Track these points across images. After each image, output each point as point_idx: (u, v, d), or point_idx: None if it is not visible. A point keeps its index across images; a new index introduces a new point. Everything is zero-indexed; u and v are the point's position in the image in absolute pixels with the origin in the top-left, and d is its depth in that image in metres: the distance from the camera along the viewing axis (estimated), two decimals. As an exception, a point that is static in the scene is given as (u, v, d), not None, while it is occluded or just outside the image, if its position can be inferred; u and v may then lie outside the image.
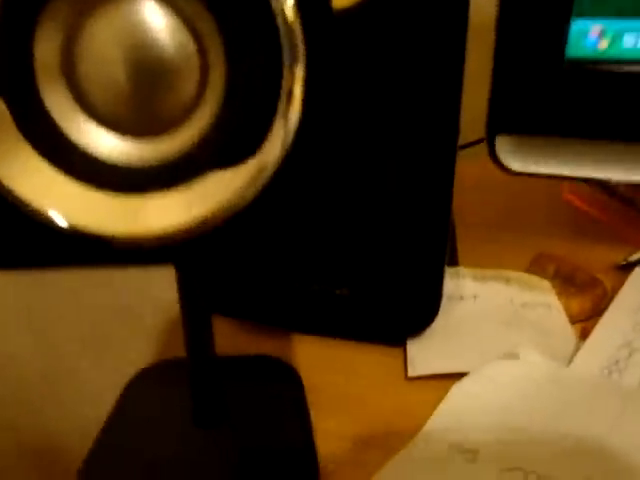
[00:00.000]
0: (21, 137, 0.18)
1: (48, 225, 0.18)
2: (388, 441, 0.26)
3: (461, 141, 0.26)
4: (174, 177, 0.18)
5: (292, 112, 0.17)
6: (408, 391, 0.30)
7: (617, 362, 0.29)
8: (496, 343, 0.31)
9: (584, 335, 0.33)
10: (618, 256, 0.39)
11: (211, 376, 0.26)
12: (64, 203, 0.18)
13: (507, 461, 0.24)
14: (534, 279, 0.37)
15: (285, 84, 0.17)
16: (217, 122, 0.18)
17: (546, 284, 0.37)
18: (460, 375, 0.30)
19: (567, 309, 0.35)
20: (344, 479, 0.25)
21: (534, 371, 0.29)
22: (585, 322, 0.34)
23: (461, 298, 0.35)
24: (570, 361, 0.31)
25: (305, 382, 0.30)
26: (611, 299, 0.35)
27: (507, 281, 0.36)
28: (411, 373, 0.31)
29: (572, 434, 0.26)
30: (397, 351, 0.32)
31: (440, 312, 0.32)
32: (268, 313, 0.33)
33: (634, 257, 0.38)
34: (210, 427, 0.27)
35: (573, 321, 0.35)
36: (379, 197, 0.28)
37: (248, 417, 0.27)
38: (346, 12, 0.22)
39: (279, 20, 0.16)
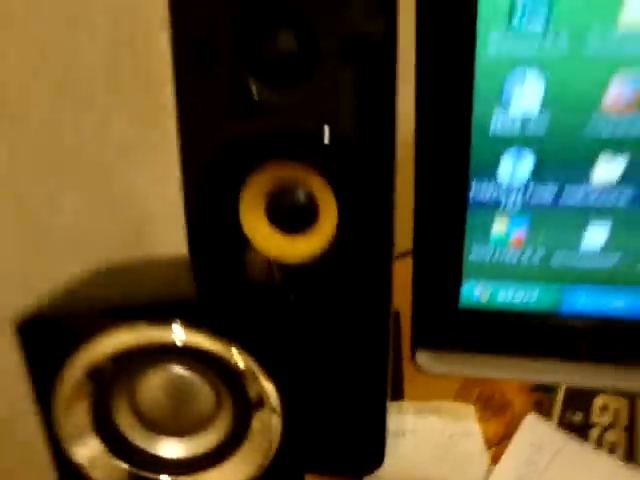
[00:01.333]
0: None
1: None
2: None
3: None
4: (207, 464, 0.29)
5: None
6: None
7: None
8: (429, 474, 0.43)
9: (495, 460, 0.45)
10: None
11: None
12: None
13: None
14: (461, 407, 0.49)
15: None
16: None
17: (470, 410, 0.49)
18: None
19: (485, 433, 0.47)
20: None
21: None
22: (497, 446, 0.46)
23: (404, 434, 0.46)
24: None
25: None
26: (517, 425, 0.47)
27: (439, 413, 0.48)
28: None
29: None
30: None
31: (387, 449, 0.43)
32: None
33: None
34: None
35: (489, 445, 0.46)
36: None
37: None
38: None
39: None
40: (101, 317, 0.25)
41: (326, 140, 0.33)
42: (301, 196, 0.36)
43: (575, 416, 0.46)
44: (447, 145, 0.31)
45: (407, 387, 0.51)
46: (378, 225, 0.35)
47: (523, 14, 0.27)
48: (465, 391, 0.51)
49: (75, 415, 0.27)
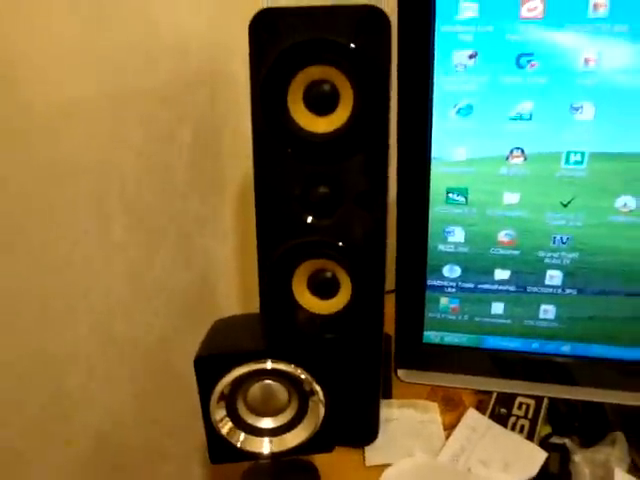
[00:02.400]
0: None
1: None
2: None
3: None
4: (285, 430, 0.55)
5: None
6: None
7: (457, 458, 0.67)
8: (406, 448, 0.69)
9: (448, 438, 0.71)
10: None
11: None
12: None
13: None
14: (429, 404, 0.75)
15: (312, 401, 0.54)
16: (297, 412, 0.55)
17: (435, 406, 0.75)
18: (388, 465, 0.67)
19: (443, 421, 0.73)
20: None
21: (421, 462, 0.67)
22: (450, 430, 0.72)
23: (391, 420, 0.72)
24: (438, 455, 0.68)
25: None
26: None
27: (415, 408, 0.74)
28: (367, 463, 0.68)
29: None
30: (358, 454, 0.69)
31: (380, 429, 0.70)
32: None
33: None
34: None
35: (445, 428, 0.72)
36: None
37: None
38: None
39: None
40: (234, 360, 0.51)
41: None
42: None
43: (501, 410, 0.72)
44: (414, 257, 0.58)
45: (394, 390, 0.77)
46: (370, 303, 0.61)
47: (451, 198, 0.53)
48: (433, 393, 0.76)
49: (219, 409, 0.53)
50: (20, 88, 0.55)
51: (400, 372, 0.64)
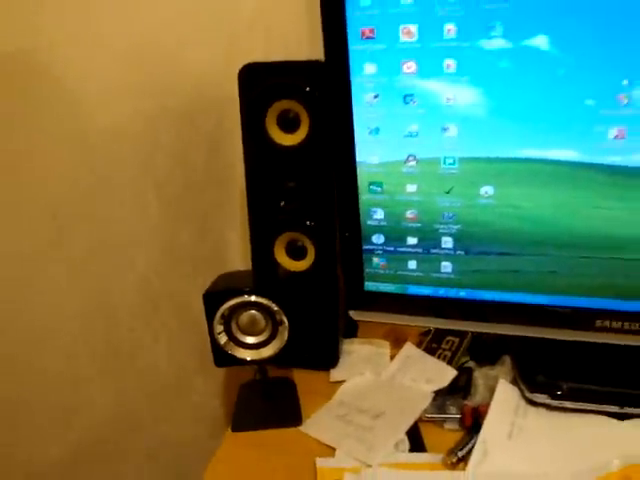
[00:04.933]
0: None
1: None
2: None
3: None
4: (263, 345, 0.83)
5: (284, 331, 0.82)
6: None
7: (394, 377, 0.93)
8: (361, 369, 0.96)
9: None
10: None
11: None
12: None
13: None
14: (382, 341, 1.01)
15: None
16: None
17: (386, 343, 1.01)
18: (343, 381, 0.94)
19: (391, 355, 1.00)
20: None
21: (369, 379, 0.94)
22: (392, 358, 0.98)
23: (351, 352, 0.99)
24: (381, 375, 0.95)
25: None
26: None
27: (371, 344, 1.01)
28: (331, 379, 0.95)
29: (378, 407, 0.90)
30: (325, 374, 0.96)
31: (343, 357, 0.97)
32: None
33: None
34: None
35: (391, 359, 0.99)
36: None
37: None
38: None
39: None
40: (230, 294, 0.79)
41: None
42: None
43: (433, 345, 0.98)
44: (352, 229, 0.84)
45: (359, 332, 1.04)
46: (328, 262, 0.88)
47: (372, 189, 0.80)
48: (386, 334, 1.03)
49: (219, 328, 0.81)
50: (84, 110, 0.85)
51: (351, 312, 0.91)
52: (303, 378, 0.95)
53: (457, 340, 0.97)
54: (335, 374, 0.94)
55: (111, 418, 1.17)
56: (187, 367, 1.15)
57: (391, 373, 0.93)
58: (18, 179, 0.98)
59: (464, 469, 0.75)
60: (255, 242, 0.89)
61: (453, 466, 0.76)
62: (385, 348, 1.00)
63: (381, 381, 0.92)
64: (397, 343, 1.00)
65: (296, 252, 0.89)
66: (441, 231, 0.80)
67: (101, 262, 1.06)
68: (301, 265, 0.89)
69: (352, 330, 1.03)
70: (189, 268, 1.11)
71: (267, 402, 0.90)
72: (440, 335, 0.99)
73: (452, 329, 0.96)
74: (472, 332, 0.95)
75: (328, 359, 0.95)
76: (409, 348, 0.97)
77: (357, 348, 1.00)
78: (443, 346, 0.97)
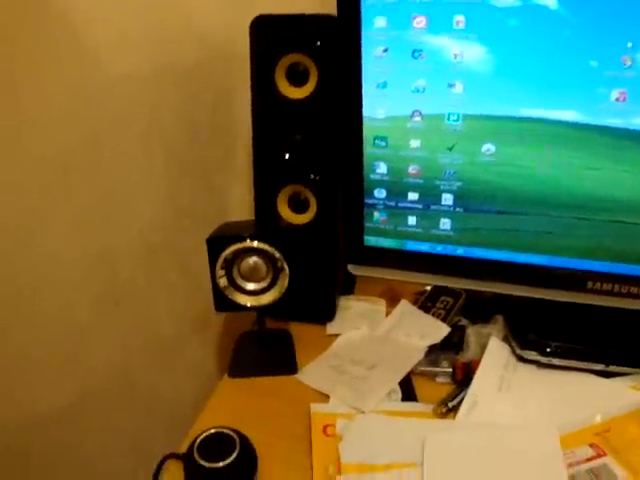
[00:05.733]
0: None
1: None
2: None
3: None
4: (263, 292, 0.85)
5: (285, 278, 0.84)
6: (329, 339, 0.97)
7: (389, 332, 0.95)
8: (356, 324, 0.98)
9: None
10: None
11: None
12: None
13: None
14: (379, 300, 1.04)
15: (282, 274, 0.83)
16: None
17: (382, 301, 1.03)
18: (339, 334, 0.97)
19: (387, 312, 1.02)
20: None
21: (364, 333, 0.96)
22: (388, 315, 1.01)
23: (348, 308, 1.01)
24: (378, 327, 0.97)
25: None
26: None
27: (366, 301, 1.03)
28: (327, 333, 0.98)
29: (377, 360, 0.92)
30: (321, 327, 0.99)
31: (339, 312, 0.99)
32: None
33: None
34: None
35: (386, 314, 1.01)
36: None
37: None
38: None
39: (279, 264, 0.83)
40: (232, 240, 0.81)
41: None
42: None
43: (428, 304, 1.00)
44: (355, 183, 0.86)
45: (356, 290, 1.06)
46: (330, 215, 0.90)
47: (376, 143, 0.82)
48: (383, 293, 1.05)
49: (221, 273, 0.83)
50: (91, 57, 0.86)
51: (350, 267, 0.92)
52: (300, 331, 0.97)
53: (451, 300, 1.00)
54: (331, 328, 0.97)
55: (109, 369, 1.19)
56: (186, 320, 1.18)
57: (386, 328, 0.95)
58: (22, 128, 0.99)
59: (454, 418, 0.78)
60: (258, 194, 0.91)
61: (443, 416, 0.79)
62: (381, 305, 1.02)
63: (376, 335, 0.94)
64: (393, 301, 1.03)
65: (299, 205, 0.90)
66: (442, 188, 0.82)
67: (104, 213, 1.07)
68: (303, 218, 0.91)
69: (349, 287, 1.05)
70: (191, 222, 1.13)
71: (264, 351, 0.92)
72: (435, 295, 1.01)
73: (447, 289, 0.98)
74: (467, 291, 0.97)
75: (325, 313, 0.98)
76: (404, 305, 0.99)
77: (353, 304, 1.02)
78: (438, 305, 0.99)
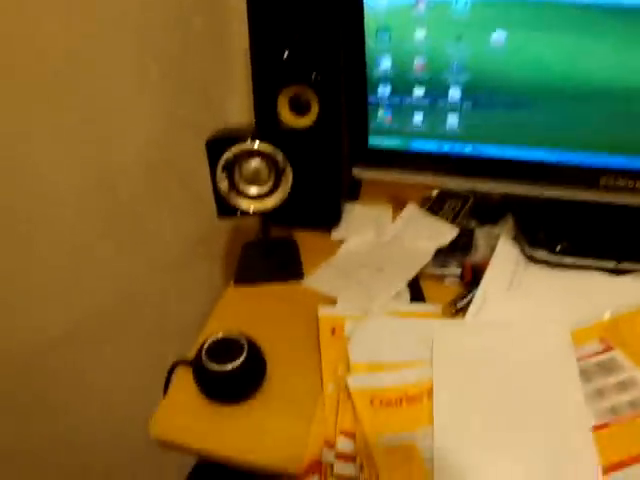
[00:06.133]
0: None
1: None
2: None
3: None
4: (268, 195, 0.82)
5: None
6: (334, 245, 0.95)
7: (396, 237, 0.94)
8: (362, 230, 0.96)
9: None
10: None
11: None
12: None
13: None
14: (385, 205, 1.01)
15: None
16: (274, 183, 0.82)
17: (389, 206, 1.01)
18: (343, 240, 0.95)
19: (393, 216, 1.00)
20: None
21: (370, 238, 0.94)
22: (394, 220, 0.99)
23: (353, 210, 0.99)
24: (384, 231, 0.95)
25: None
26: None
27: (372, 206, 1.01)
28: (332, 238, 0.96)
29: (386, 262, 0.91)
30: (326, 234, 0.97)
31: (345, 217, 0.97)
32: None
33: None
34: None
35: (393, 219, 0.99)
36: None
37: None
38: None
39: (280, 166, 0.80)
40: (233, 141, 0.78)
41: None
42: (303, 99, 0.86)
43: (434, 208, 0.98)
44: (357, 80, 0.82)
45: (361, 195, 1.04)
46: (332, 117, 0.86)
47: (379, 36, 0.77)
48: (389, 199, 1.03)
49: (222, 177, 0.80)
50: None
51: (355, 170, 0.90)
52: (304, 238, 0.96)
53: (459, 203, 0.97)
54: (336, 233, 0.95)
55: (114, 290, 1.19)
56: (190, 236, 1.16)
57: (393, 232, 0.94)
58: (11, 44, 0.94)
59: (463, 318, 0.77)
60: (258, 97, 0.87)
61: (452, 316, 0.78)
62: (387, 210, 1.00)
63: (383, 240, 0.93)
64: (399, 206, 1.00)
65: (300, 108, 0.87)
66: (449, 81, 0.78)
67: (99, 134, 1.04)
68: (305, 121, 0.88)
69: (354, 193, 1.03)
70: (190, 136, 1.09)
71: (269, 258, 0.91)
72: (442, 199, 0.99)
73: (454, 193, 0.95)
74: (474, 195, 0.95)
75: (330, 218, 0.96)
76: (411, 208, 0.97)
77: (359, 209, 1.00)
78: (445, 209, 0.97)
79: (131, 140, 1.05)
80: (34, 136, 0.99)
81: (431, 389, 0.67)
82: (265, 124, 0.88)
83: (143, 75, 0.98)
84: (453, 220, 0.94)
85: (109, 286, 1.17)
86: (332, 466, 0.62)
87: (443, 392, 0.66)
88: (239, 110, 1.10)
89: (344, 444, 0.63)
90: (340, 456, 0.62)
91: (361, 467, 0.61)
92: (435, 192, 1.01)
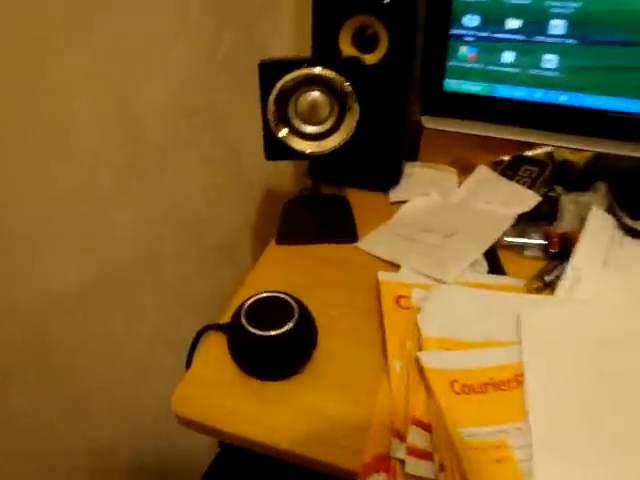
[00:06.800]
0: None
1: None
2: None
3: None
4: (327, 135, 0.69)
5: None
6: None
7: (465, 201, 0.80)
8: (424, 189, 0.83)
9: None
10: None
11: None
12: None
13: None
14: (449, 168, 0.88)
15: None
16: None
17: (453, 170, 0.88)
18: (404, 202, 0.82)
19: (458, 182, 0.87)
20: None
21: (434, 200, 0.81)
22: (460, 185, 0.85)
23: (412, 174, 0.86)
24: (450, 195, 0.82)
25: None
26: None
27: (436, 168, 0.88)
28: (390, 200, 0.83)
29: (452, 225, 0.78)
30: (383, 195, 0.84)
31: (404, 179, 0.84)
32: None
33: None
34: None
35: (459, 184, 0.86)
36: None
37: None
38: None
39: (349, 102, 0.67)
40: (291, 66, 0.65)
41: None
42: (370, 32, 0.73)
43: (508, 172, 0.85)
44: (440, 8, 0.69)
45: (421, 154, 0.90)
46: (404, 54, 0.73)
47: None
48: (453, 161, 0.90)
49: (274, 111, 0.67)
50: None
51: (424, 118, 0.77)
52: (357, 197, 0.83)
53: (537, 169, 0.84)
54: (395, 194, 0.83)
55: (134, 244, 1.06)
56: (222, 192, 1.03)
57: (461, 196, 0.81)
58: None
59: (550, 294, 0.64)
60: (317, 29, 0.75)
61: (538, 291, 0.65)
62: (451, 174, 0.87)
63: (449, 203, 0.80)
64: (463, 171, 0.87)
65: (366, 43, 0.74)
66: (553, 11, 0.65)
67: (129, 72, 0.90)
68: (370, 59, 0.75)
69: (412, 154, 0.90)
70: (229, 78, 0.96)
71: (317, 217, 0.78)
72: (516, 164, 0.86)
73: (530, 158, 0.82)
74: (553, 160, 0.81)
75: (388, 177, 0.83)
76: (483, 171, 0.84)
77: (419, 171, 0.87)
78: (521, 174, 0.84)
79: (163, 81, 0.92)
80: (56, 50, 0.85)
81: (520, 376, 0.55)
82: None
83: (183, 10, 0.86)
84: (531, 186, 0.80)
85: (129, 239, 1.04)
86: (403, 462, 0.49)
87: (537, 383, 0.53)
88: (285, 49, 0.97)
89: (416, 436, 0.50)
90: (412, 451, 0.49)
91: (441, 466, 0.48)
92: (506, 157, 0.87)
